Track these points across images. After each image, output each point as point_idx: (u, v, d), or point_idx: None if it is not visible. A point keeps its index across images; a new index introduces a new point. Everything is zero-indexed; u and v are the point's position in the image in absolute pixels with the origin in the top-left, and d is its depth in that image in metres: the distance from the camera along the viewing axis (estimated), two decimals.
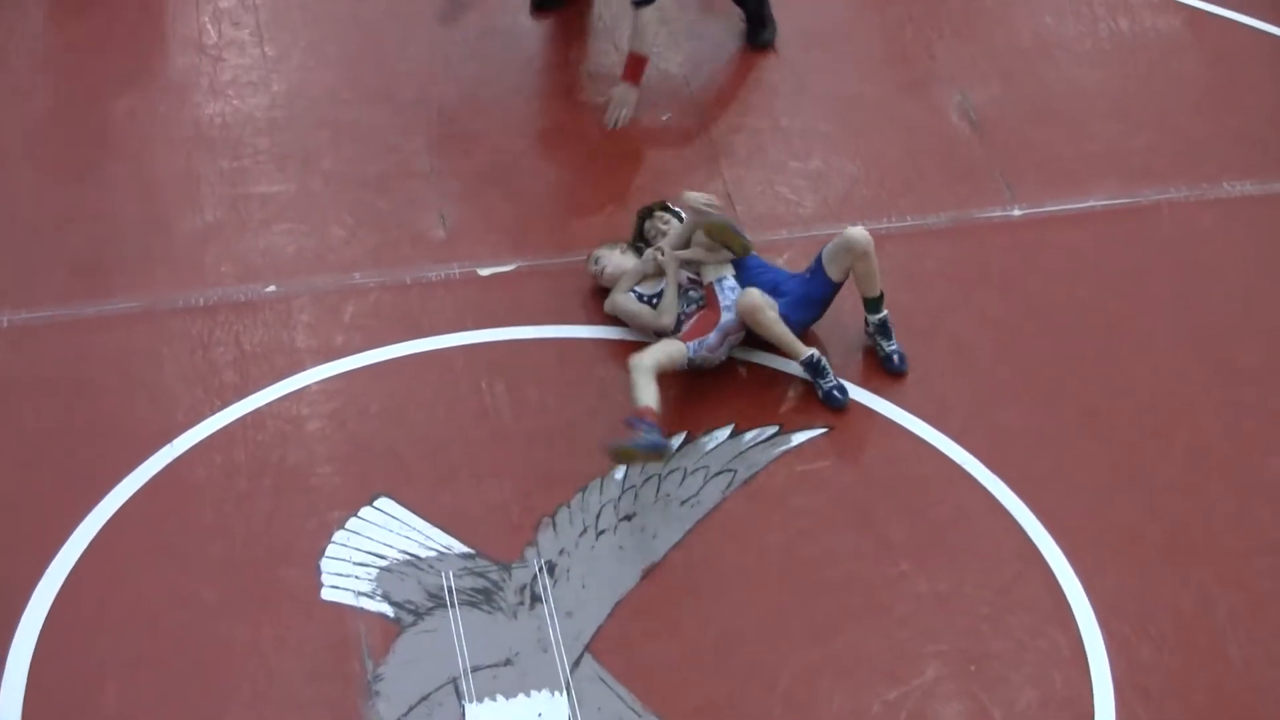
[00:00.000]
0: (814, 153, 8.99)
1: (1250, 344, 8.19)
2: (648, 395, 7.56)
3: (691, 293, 8.11)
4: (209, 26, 9.54)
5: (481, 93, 9.21)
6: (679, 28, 9.45)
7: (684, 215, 8.22)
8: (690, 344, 7.88)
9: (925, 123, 9.17)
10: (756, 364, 8.02)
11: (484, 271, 8.40)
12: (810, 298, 8.01)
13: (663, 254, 8.13)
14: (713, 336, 7.93)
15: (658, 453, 7.43)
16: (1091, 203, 8.80)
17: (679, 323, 8.03)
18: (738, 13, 9.55)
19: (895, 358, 7.96)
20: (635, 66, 8.93)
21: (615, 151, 8.93)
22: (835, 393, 7.84)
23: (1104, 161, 8.98)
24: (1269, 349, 8.17)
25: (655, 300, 8.10)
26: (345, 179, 8.80)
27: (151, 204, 8.65)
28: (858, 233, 7.92)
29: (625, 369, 7.82)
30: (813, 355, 7.85)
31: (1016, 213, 8.76)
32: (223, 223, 8.57)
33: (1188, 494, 7.61)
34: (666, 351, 7.79)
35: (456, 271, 8.39)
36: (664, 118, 9.10)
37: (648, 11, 8.81)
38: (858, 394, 7.90)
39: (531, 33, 9.54)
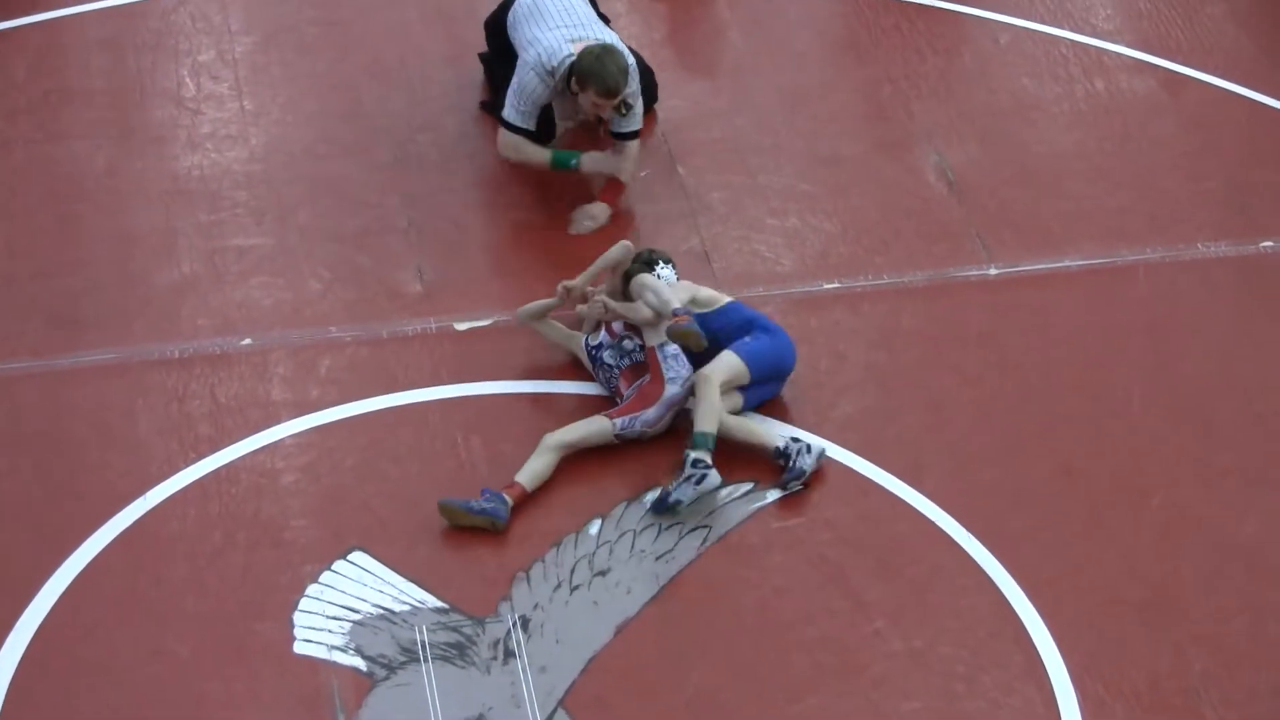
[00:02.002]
0: (791, 211, 9.01)
1: (1226, 404, 8.21)
2: (526, 473, 7.59)
3: (626, 343, 8.04)
4: (188, 80, 9.55)
5: (460, 148, 9.23)
6: (662, 84, 9.46)
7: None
8: (619, 420, 7.81)
9: (903, 182, 9.20)
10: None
11: (460, 326, 8.40)
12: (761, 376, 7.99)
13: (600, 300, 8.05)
14: (652, 412, 7.84)
15: (489, 521, 7.45)
16: (1068, 263, 8.82)
17: (615, 391, 7.93)
18: (718, 70, 9.58)
19: (666, 498, 7.57)
20: (614, 192, 8.84)
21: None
22: (792, 483, 7.77)
23: (1080, 222, 9.01)
24: (1245, 410, 8.18)
25: (597, 351, 8.03)
26: (322, 233, 8.80)
27: (128, 256, 8.64)
28: (706, 369, 7.78)
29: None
30: (782, 445, 7.77)
31: (993, 272, 8.78)
32: (199, 275, 8.56)
33: (1163, 554, 7.61)
34: (586, 432, 7.74)
35: (433, 326, 8.39)
36: (642, 174, 9.12)
37: (634, 144, 8.77)
38: (834, 451, 7.89)
39: None
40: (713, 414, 7.73)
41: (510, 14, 8.91)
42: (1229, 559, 7.60)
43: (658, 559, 7.50)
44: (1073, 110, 9.63)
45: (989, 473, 7.87)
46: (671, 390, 7.87)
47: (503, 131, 8.77)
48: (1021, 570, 7.50)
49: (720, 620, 7.33)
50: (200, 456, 7.78)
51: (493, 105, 9.15)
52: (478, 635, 7.22)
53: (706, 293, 8.14)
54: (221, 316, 8.38)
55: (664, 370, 7.91)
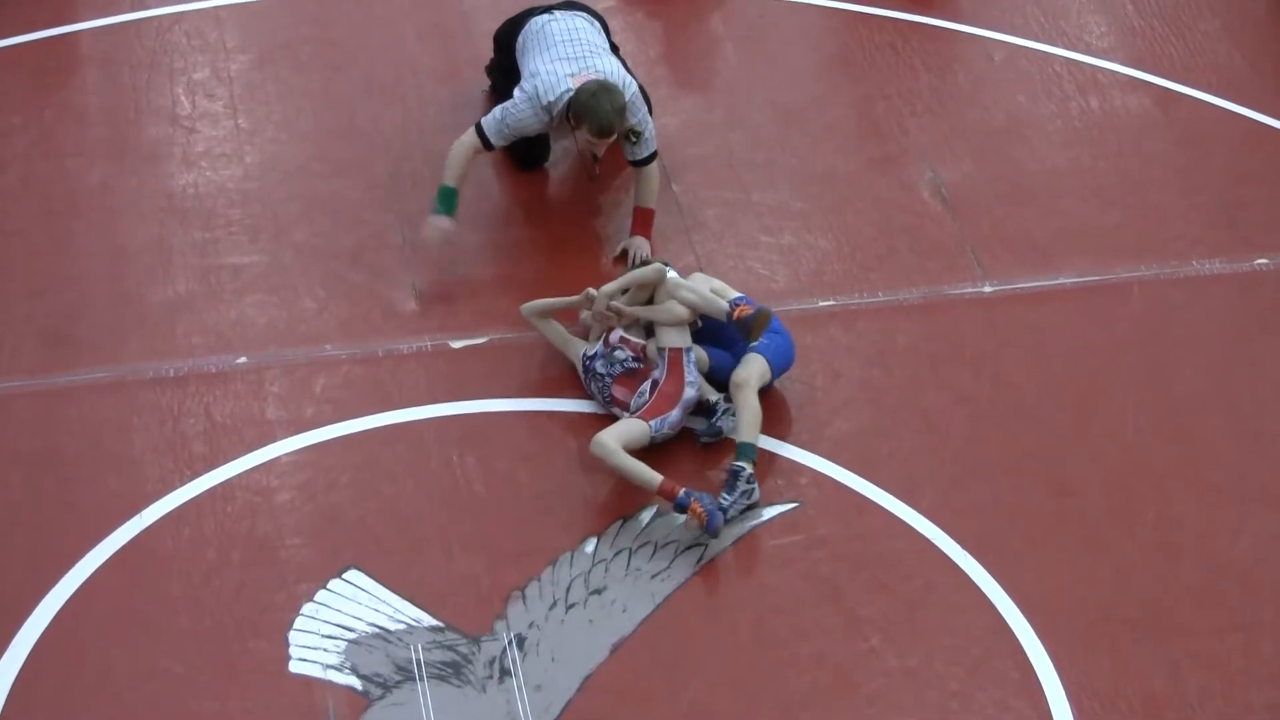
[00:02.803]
0: (786, 228, 9.02)
1: (1221, 421, 8.21)
2: (648, 473, 7.59)
3: (618, 353, 8.06)
4: (183, 98, 9.55)
5: None
6: (656, 100, 9.47)
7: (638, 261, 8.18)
8: (652, 422, 7.84)
9: (897, 199, 9.21)
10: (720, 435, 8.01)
11: (456, 344, 8.40)
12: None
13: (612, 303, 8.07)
14: (676, 413, 7.89)
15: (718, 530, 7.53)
16: (1062, 280, 8.83)
17: (610, 400, 7.95)
18: (712, 86, 9.58)
19: (725, 516, 7.61)
20: (646, 221, 8.76)
21: (588, 226, 8.94)
22: (705, 438, 7.87)
23: (1075, 239, 9.02)
24: (1239, 426, 8.19)
25: (590, 361, 8.05)
26: (317, 251, 8.80)
27: (123, 274, 8.64)
28: (741, 365, 7.87)
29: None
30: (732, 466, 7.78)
31: (988, 289, 8.79)
32: (194, 294, 8.56)
33: (1158, 571, 7.62)
34: (628, 432, 7.75)
35: (428, 344, 8.39)
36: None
37: (653, 166, 8.76)
38: (829, 469, 7.90)
39: None
40: (757, 423, 7.75)
41: (520, 35, 8.88)
42: (1224, 576, 7.61)
43: (653, 577, 7.50)
44: (1067, 127, 9.64)
45: (984, 490, 7.88)
46: (690, 393, 7.91)
47: (470, 132, 8.64)
48: (1017, 587, 7.50)
49: (715, 638, 7.33)
50: (195, 475, 7.78)
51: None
52: (473, 654, 7.21)
53: (718, 284, 8.20)
54: (216, 335, 8.38)
55: (685, 374, 7.91)
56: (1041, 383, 8.34)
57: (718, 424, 7.92)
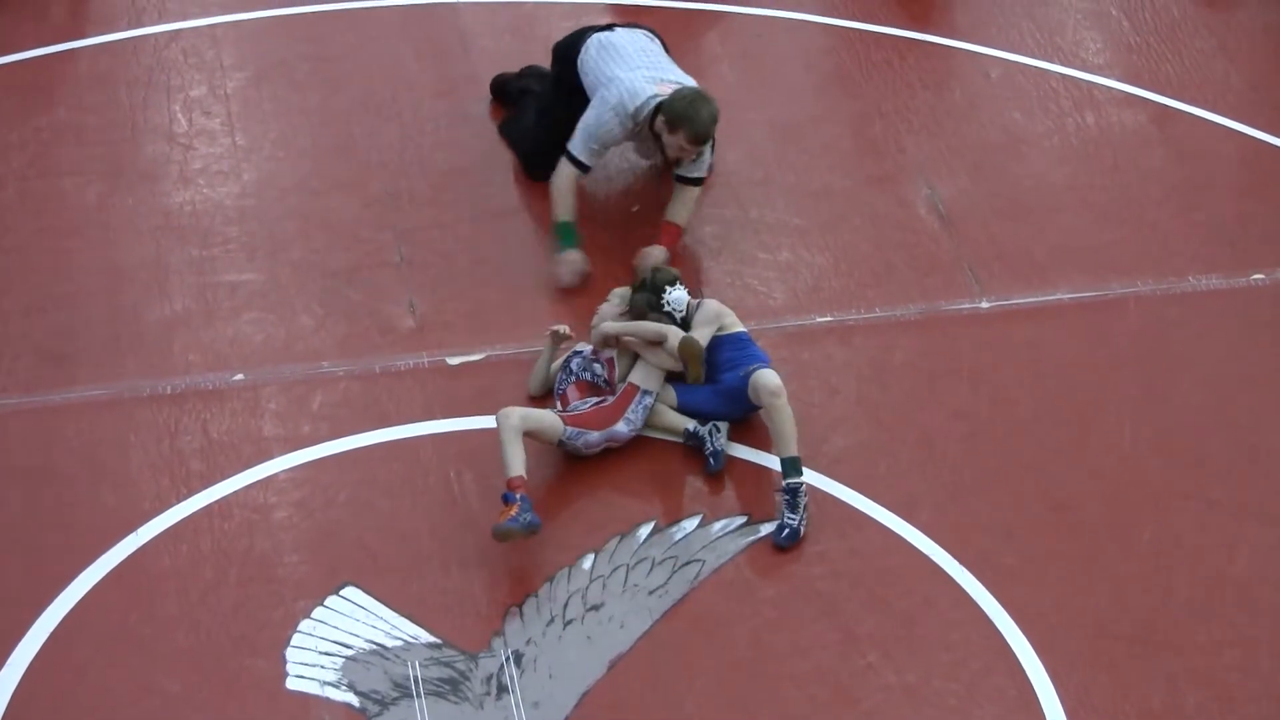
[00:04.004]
0: (783, 244, 9.02)
1: (1217, 438, 8.21)
2: (517, 462, 7.57)
3: (596, 365, 8.07)
4: (180, 115, 9.56)
5: (452, 182, 9.24)
6: None
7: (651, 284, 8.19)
8: (570, 430, 7.84)
9: (894, 216, 9.21)
10: (728, 455, 8.00)
11: (453, 361, 8.40)
12: (734, 395, 8.00)
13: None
14: (596, 436, 7.88)
15: (533, 531, 7.46)
16: (1059, 296, 8.84)
17: (560, 395, 8.01)
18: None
19: (785, 532, 7.67)
20: (674, 236, 8.76)
21: (585, 242, 8.94)
22: (710, 459, 7.88)
23: (1071, 255, 9.02)
24: (1236, 443, 8.19)
25: (573, 356, 8.07)
26: (314, 268, 8.81)
27: (120, 291, 8.64)
28: (764, 377, 7.88)
29: (595, 463, 7.85)
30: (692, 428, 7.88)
31: (985, 305, 8.79)
32: (191, 311, 8.56)
33: (1156, 588, 7.61)
34: (540, 420, 7.75)
35: (425, 361, 8.39)
36: (634, 209, 9.13)
37: (697, 190, 8.75)
38: (826, 485, 7.90)
39: None
40: (794, 434, 7.76)
41: (582, 51, 8.85)
42: (1221, 592, 7.60)
43: (651, 593, 7.49)
44: (1063, 144, 9.65)
45: (982, 506, 7.88)
46: (621, 429, 7.92)
47: (563, 162, 8.67)
48: (1014, 604, 7.49)
49: (713, 654, 7.32)
50: (192, 492, 7.77)
51: (510, 129, 9.21)
52: (471, 670, 7.21)
53: (730, 318, 8.19)
54: (213, 352, 8.38)
55: (629, 412, 7.93)
56: (1039, 398, 8.34)
57: (716, 448, 7.89)
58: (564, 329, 8.13)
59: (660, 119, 8.48)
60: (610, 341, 8.13)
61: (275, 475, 7.87)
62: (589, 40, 8.88)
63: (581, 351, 8.15)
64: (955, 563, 7.63)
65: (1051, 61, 10.12)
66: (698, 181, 8.74)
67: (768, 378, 7.85)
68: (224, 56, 9.91)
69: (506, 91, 9.53)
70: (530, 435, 7.69)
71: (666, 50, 9.01)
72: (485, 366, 8.36)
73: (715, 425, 7.94)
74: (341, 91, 9.75)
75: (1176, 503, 7.93)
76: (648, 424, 8.00)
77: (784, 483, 7.73)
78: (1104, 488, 7.98)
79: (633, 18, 9.63)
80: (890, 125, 9.71)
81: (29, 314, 8.52)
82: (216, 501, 7.75)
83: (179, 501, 7.73)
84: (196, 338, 8.44)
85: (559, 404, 8.02)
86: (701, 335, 8.03)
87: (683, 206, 8.76)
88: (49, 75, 9.80)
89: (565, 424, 7.82)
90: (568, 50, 9.00)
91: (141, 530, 7.61)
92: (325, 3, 10.24)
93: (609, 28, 9.00)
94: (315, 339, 8.47)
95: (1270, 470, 8.09)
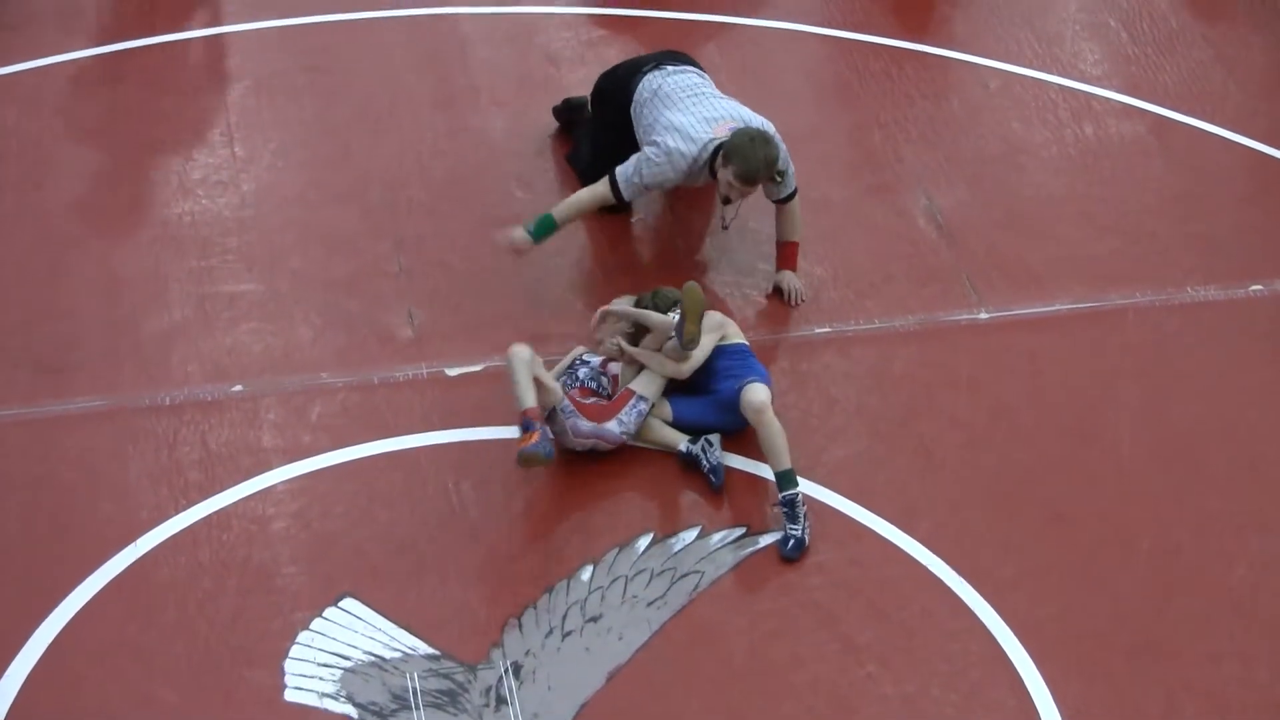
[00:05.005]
0: None
1: (1216, 448, 8.22)
2: (529, 395, 7.64)
3: (603, 378, 8.11)
4: (178, 126, 9.55)
5: (451, 193, 9.24)
6: None
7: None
8: (566, 404, 7.85)
9: (893, 226, 9.22)
10: (725, 466, 8.00)
11: (452, 372, 8.40)
12: (729, 407, 8.00)
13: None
14: (585, 426, 7.90)
15: (549, 459, 7.57)
16: (1058, 307, 8.84)
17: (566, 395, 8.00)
18: None
19: (791, 543, 7.68)
20: (792, 254, 8.78)
21: (584, 253, 8.95)
22: (710, 476, 7.88)
23: (1070, 266, 9.03)
24: (1234, 454, 8.19)
25: (580, 364, 8.10)
26: (313, 279, 8.81)
27: (118, 302, 8.64)
28: (751, 392, 7.88)
29: (592, 473, 7.85)
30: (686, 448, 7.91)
31: (983, 316, 8.79)
32: (190, 322, 8.56)
33: (1154, 599, 7.61)
34: (548, 382, 7.78)
35: (424, 372, 8.39)
36: (634, 219, 9.13)
37: (796, 202, 8.71)
38: (825, 496, 7.90)
39: (501, 132, 9.58)
40: (785, 447, 7.77)
41: (637, 91, 8.75)
42: (1220, 603, 7.60)
43: (649, 605, 7.49)
44: (1061, 154, 9.66)
45: (980, 516, 7.88)
46: (612, 428, 7.93)
47: (603, 182, 8.56)
48: (1013, 614, 7.49)
49: (712, 665, 7.32)
50: (191, 503, 7.77)
51: (577, 158, 9.18)
52: (469, 682, 7.20)
53: (732, 328, 8.20)
54: (212, 363, 8.38)
55: (622, 413, 7.94)
56: (1037, 409, 8.34)
57: (713, 463, 7.89)
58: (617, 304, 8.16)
59: (721, 157, 8.46)
60: (616, 354, 8.13)
61: (274, 486, 7.87)
62: (641, 83, 8.76)
63: (590, 362, 8.17)
64: (954, 573, 7.63)
65: (1050, 72, 10.13)
66: (792, 196, 8.71)
67: (754, 393, 7.86)
68: (223, 67, 9.92)
69: (567, 121, 9.47)
70: (535, 382, 7.71)
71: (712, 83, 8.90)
72: (484, 377, 8.36)
73: (707, 440, 7.94)
74: (340, 102, 9.75)
75: (1175, 513, 7.94)
76: (644, 439, 8.01)
77: (780, 495, 7.73)
78: (1102, 498, 7.98)
79: (632, 29, 9.64)
80: (889, 136, 9.71)
81: (26, 325, 8.52)
82: (215, 512, 7.75)
83: (178, 512, 7.73)
84: (195, 348, 8.44)
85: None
86: (705, 341, 8.04)
87: (791, 223, 8.76)
88: (46, 85, 9.79)
89: (565, 398, 7.84)
90: (616, 95, 8.91)
91: (140, 541, 7.61)
92: (324, 14, 10.25)
93: (657, 66, 8.87)
94: (314, 349, 8.47)
95: (1269, 481, 8.09)
